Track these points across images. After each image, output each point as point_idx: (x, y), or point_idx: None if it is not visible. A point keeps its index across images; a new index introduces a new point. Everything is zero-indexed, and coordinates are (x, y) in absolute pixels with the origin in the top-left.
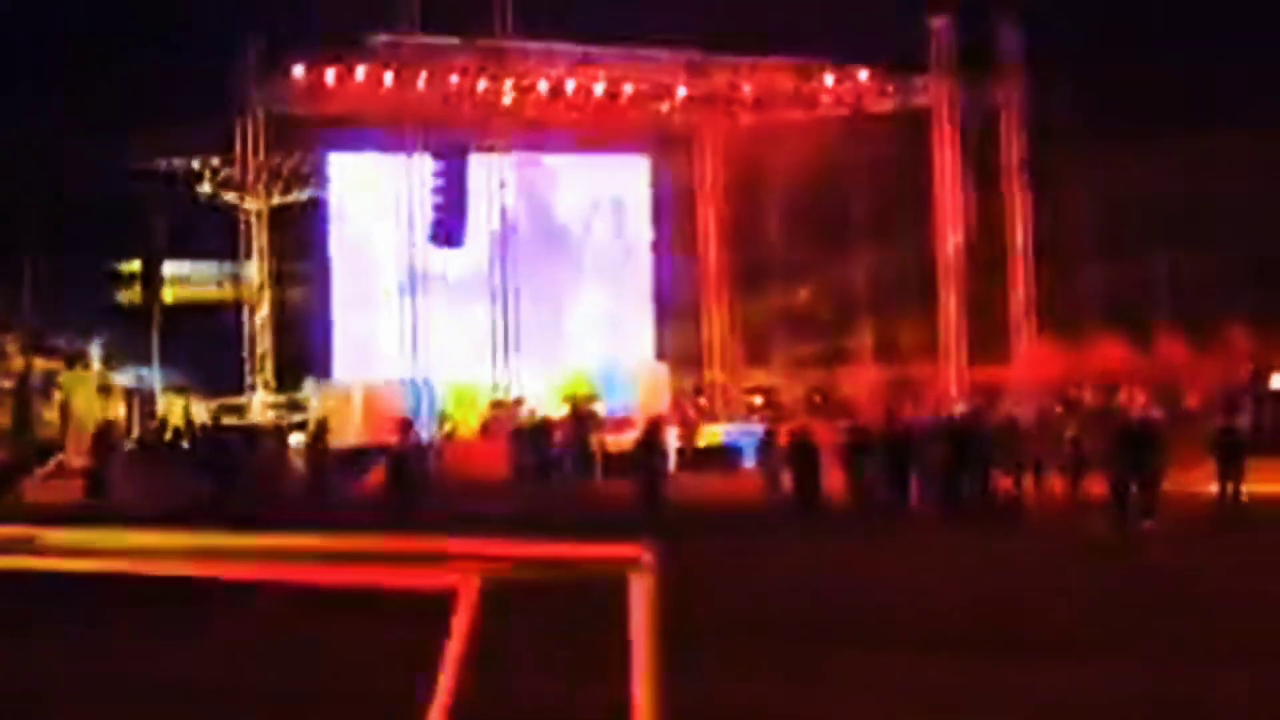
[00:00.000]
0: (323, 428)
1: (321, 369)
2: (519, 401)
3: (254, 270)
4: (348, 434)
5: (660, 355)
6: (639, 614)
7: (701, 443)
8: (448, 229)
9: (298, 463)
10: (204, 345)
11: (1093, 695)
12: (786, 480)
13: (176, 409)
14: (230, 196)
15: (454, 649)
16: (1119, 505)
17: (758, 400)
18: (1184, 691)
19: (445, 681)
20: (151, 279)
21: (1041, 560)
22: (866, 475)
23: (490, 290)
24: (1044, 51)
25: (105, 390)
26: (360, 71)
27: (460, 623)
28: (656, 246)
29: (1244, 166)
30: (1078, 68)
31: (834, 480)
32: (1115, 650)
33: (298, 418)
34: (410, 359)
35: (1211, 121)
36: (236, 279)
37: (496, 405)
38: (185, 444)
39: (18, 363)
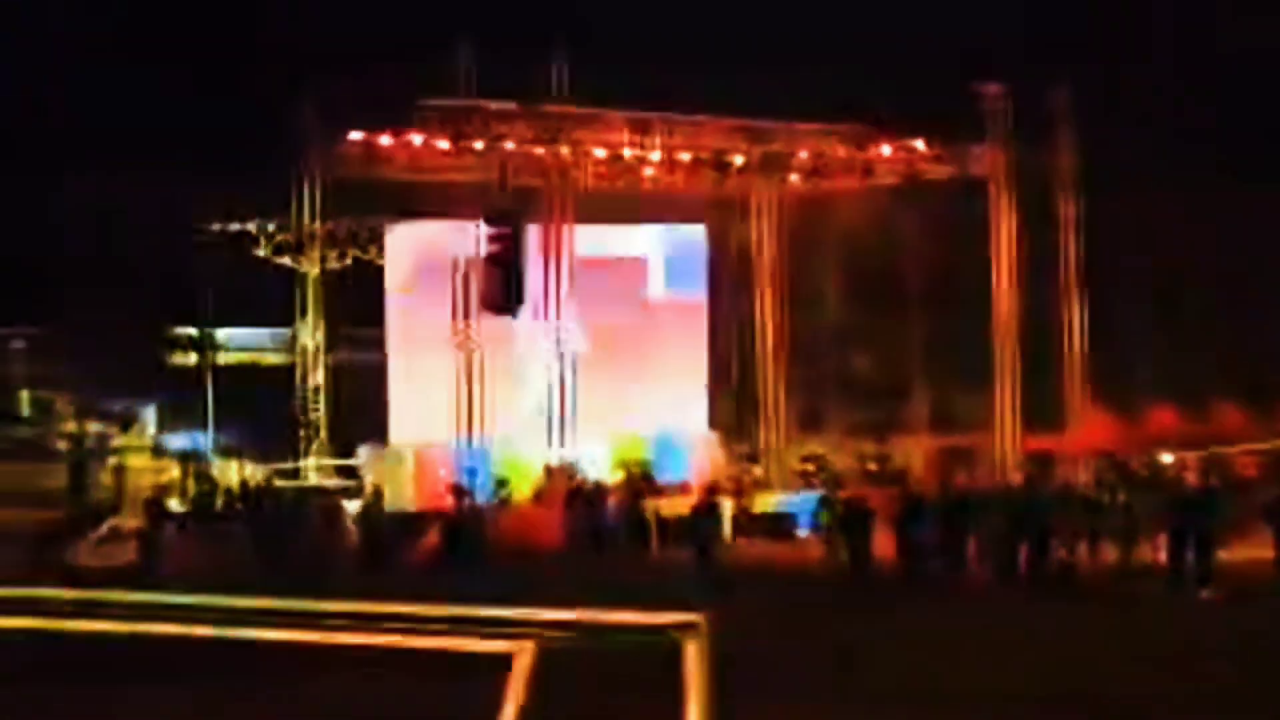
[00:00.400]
0: (378, 493)
1: (376, 433)
2: (573, 467)
3: (309, 334)
4: (402, 499)
5: (715, 422)
6: (694, 679)
7: (756, 510)
8: (503, 296)
9: (352, 528)
10: (258, 409)
11: None
12: (842, 548)
13: (230, 473)
14: (286, 260)
15: (510, 713)
16: (1175, 573)
17: (812, 468)
18: None
19: None
20: (206, 342)
21: (1100, 628)
22: (922, 543)
23: (546, 356)
24: (1098, 115)
25: (159, 454)
26: (416, 137)
27: (516, 687)
28: (712, 313)
29: None
30: (1133, 131)
31: (889, 548)
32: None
33: (352, 482)
34: (465, 424)
35: (1272, 183)
36: (291, 343)
37: (551, 471)
38: (239, 508)
39: (72, 426)
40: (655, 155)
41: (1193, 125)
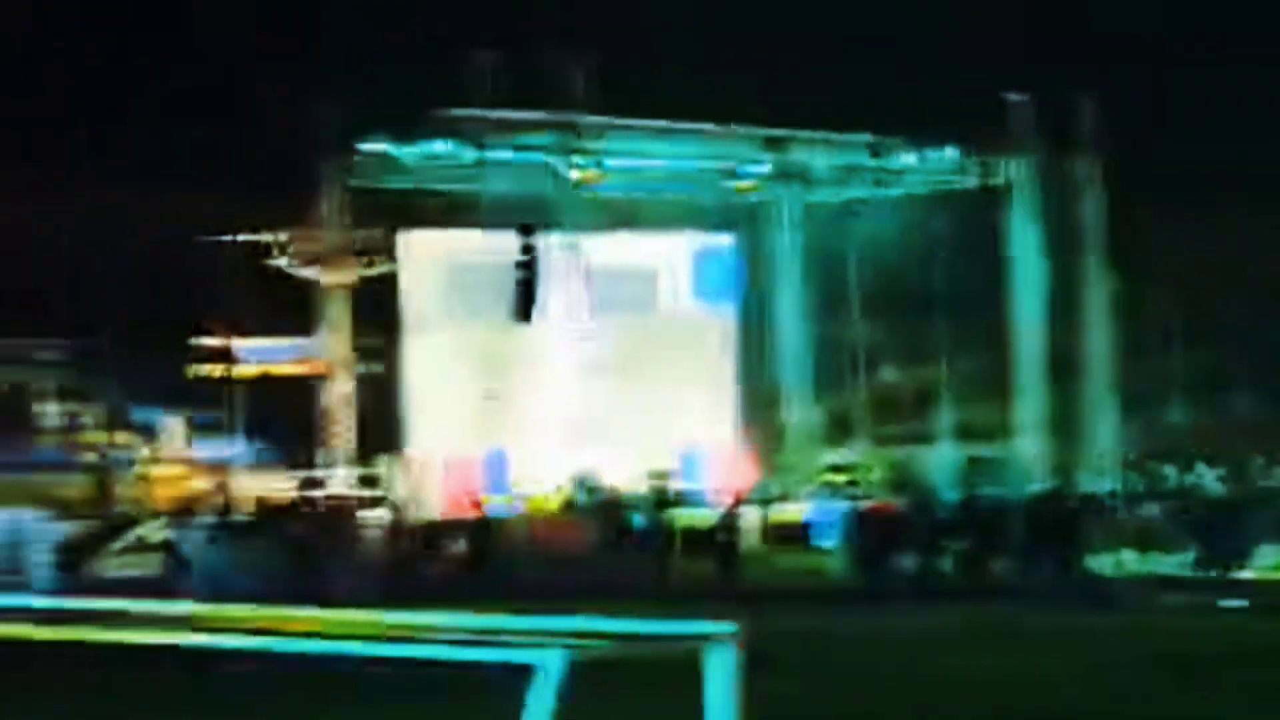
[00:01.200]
0: (402, 503)
1: (400, 443)
2: (597, 477)
3: (332, 345)
4: (427, 509)
5: (740, 432)
6: (719, 689)
7: (781, 521)
8: (526, 306)
9: (377, 538)
10: (283, 420)
11: None
12: (867, 558)
13: (255, 484)
14: (309, 271)
15: None
16: (1200, 582)
17: (838, 479)
18: None
19: None
20: (231, 354)
21: (1120, 639)
22: (945, 554)
23: (570, 365)
24: (1125, 128)
25: (185, 465)
26: (438, 146)
27: (544, 697)
28: (737, 324)
29: None
30: (1158, 144)
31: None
32: None
33: (377, 492)
34: (489, 433)
35: None
36: (315, 353)
37: (576, 481)
38: (265, 519)
39: (98, 437)
40: (679, 164)
41: (1224, 136)
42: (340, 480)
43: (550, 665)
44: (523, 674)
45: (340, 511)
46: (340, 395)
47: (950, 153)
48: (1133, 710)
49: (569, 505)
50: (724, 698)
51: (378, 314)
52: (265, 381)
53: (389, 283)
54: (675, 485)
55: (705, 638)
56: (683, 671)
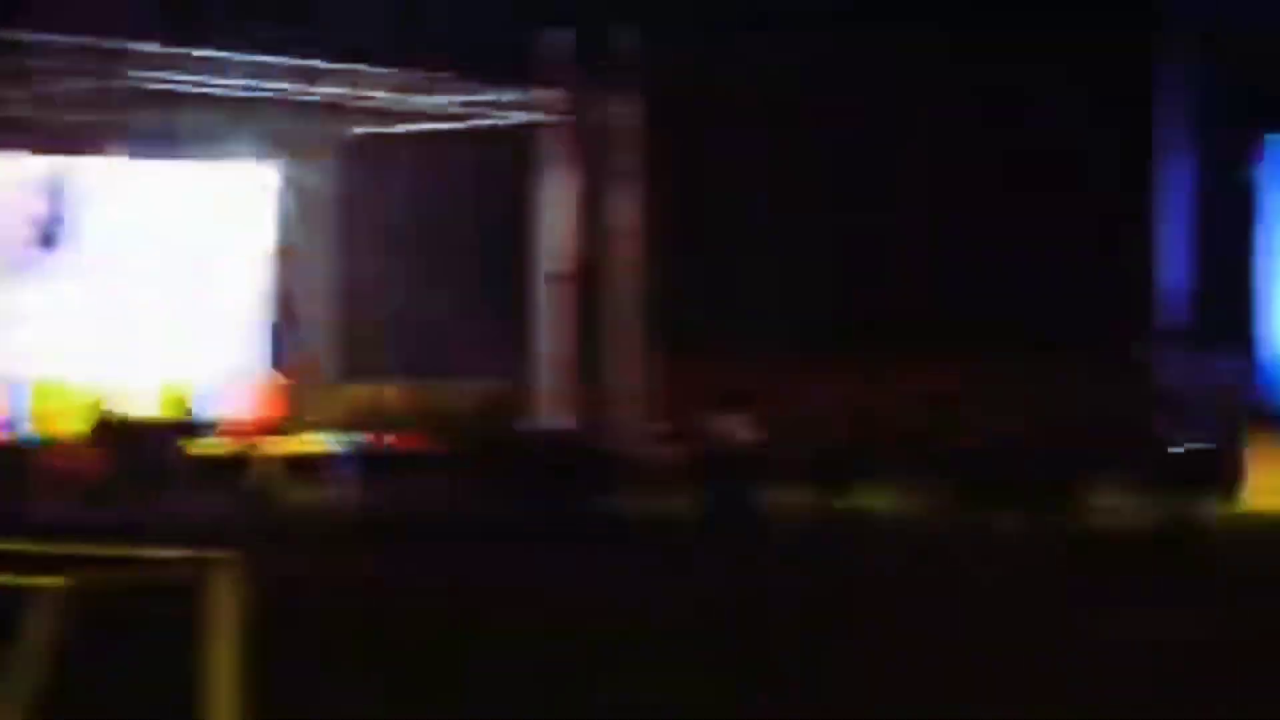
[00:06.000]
0: None
1: None
2: (111, 403)
3: None
4: None
5: (264, 362)
6: (220, 617)
7: (301, 452)
8: (48, 231)
9: None
10: None
11: None
12: (377, 492)
13: None
14: None
15: (31, 654)
16: (710, 525)
17: (358, 412)
18: None
19: (16, 684)
20: None
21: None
22: (463, 488)
23: (95, 291)
24: (663, 64)
25: None
26: None
27: (42, 626)
28: (273, 257)
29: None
30: (696, 78)
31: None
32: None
33: None
34: (7, 360)
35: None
36: None
37: (93, 407)
38: None
39: None
40: (226, 92)
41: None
42: None
43: (48, 592)
44: (18, 601)
45: None
46: None
47: (483, 89)
48: None
49: (86, 434)
50: (225, 622)
51: None
52: None
53: None
54: (195, 413)
55: (211, 564)
56: (188, 598)
